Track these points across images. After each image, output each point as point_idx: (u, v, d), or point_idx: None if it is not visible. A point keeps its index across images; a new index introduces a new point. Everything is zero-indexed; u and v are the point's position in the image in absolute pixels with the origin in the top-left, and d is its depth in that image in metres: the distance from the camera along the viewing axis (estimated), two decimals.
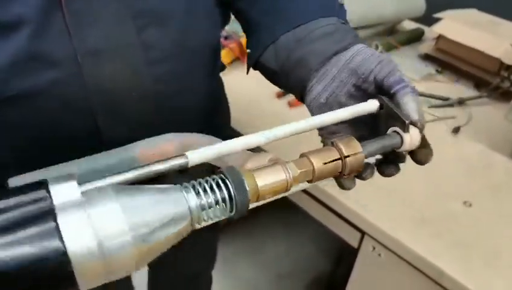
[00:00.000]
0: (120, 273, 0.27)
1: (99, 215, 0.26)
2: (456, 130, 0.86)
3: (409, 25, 1.27)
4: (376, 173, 0.40)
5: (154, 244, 0.28)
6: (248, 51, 0.50)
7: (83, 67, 0.42)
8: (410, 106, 0.39)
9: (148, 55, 0.45)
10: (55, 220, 0.25)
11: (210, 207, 0.30)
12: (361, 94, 0.41)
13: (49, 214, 0.25)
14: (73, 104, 0.44)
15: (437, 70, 1.07)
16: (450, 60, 1.07)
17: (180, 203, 0.29)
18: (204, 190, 0.30)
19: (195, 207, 0.29)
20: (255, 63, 0.49)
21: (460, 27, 1.03)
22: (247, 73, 0.52)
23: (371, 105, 0.39)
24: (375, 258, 0.69)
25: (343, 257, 1.26)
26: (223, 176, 0.31)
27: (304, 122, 0.37)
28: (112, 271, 0.26)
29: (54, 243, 0.24)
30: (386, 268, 0.69)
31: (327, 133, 0.43)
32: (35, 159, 0.36)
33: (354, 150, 0.35)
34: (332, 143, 0.35)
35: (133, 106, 0.47)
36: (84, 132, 0.46)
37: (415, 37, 1.18)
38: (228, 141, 0.34)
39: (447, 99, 0.95)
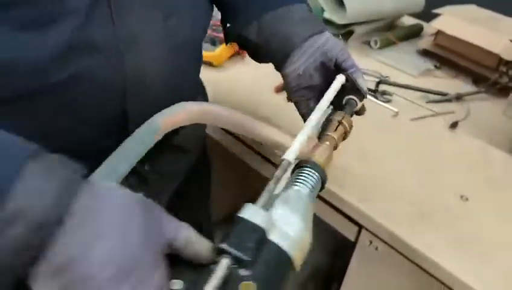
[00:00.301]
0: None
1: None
2: (454, 125, 0.86)
3: (408, 21, 1.27)
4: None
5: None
6: (228, 25, 0.62)
7: (124, 53, 0.45)
8: (361, 82, 0.56)
9: (170, 42, 0.50)
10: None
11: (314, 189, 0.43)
12: (324, 69, 0.58)
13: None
14: (109, 89, 0.45)
15: (435, 66, 1.07)
16: (448, 56, 1.07)
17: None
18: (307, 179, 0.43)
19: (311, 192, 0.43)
20: (236, 36, 0.61)
21: (459, 23, 1.04)
22: (226, 44, 0.65)
23: (342, 79, 0.56)
24: (372, 251, 0.70)
25: (340, 251, 1.26)
26: (310, 169, 0.44)
27: (317, 112, 0.51)
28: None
29: None
30: (383, 262, 0.69)
31: (299, 96, 0.59)
32: (63, 145, 0.35)
33: (345, 118, 0.54)
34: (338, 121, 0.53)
35: (157, 90, 0.50)
36: (112, 115, 0.47)
37: (414, 33, 1.18)
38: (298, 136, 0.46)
39: (445, 94, 0.95)
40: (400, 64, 1.06)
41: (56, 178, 0.28)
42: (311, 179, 0.43)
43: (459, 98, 0.95)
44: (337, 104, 0.57)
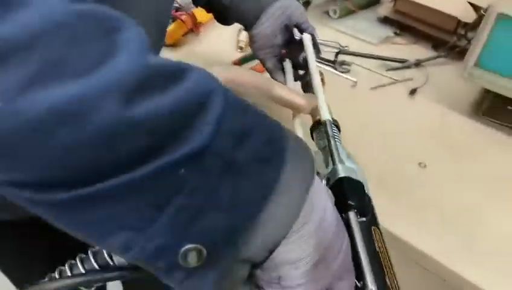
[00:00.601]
0: None
1: None
2: (413, 92, 0.85)
3: None
4: None
5: None
6: None
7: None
8: (317, 41, 0.65)
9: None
10: None
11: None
12: (286, 30, 0.66)
13: None
14: None
15: (395, 33, 1.05)
16: (408, 22, 1.05)
17: None
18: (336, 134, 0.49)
19: None
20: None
21: None
22: (196, 6, 0.74)
23: (309, 37, 0.64)
24: None
25: None
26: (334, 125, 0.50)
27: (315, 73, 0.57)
28: None
29: None
30: None
31: (264, 54, 0.67)
32: None
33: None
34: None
35: None
36: None
37: (373, 0, 1.16)
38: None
39: (404, 61, 0.93)
40: (359, 33, 1.03)
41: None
42: (336, 133, 0.49)
43: (418, 64, 0.93)
44: (295, 62, 0.67)
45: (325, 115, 0.50)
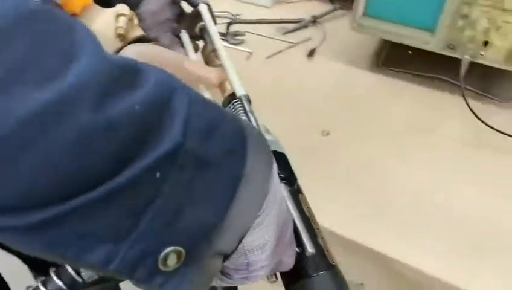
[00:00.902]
0: None
1: None
2: (311, 53, 0.80)
3: None
4: None
5: None
6: None
7: None
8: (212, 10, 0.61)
9: None
10: None
11: None
12: (172, 2, 0.62)
13: None
14: None
15: None
16: None
17: None
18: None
19: None
20: None
21: None
22: None
23: (205, 6, 0.60)
24: None
25: None
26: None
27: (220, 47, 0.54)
28: None
29: None
30: None
31: (157, 31, 0.63)
32: None
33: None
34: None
35: None
36: None
37: None
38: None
39: (300, 21, 0.88)
40: None
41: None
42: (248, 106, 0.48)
43: (315, 21, 0.88)
44: (192, 34, 0.63)
45: (239, 90, 0.49)
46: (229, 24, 0.86)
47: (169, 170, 0.22)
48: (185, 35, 0.64)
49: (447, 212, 0.56)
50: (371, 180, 0.59)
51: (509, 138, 0.62)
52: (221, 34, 0.84)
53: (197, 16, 0.61)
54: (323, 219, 0.50)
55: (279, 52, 0.81)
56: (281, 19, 0.88)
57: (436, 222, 0.55)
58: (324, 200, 0.55)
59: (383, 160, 0.62)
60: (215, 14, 0.88)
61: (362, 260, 0.57)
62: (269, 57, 0.80)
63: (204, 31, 0.61)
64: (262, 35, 0.85)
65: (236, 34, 0.84)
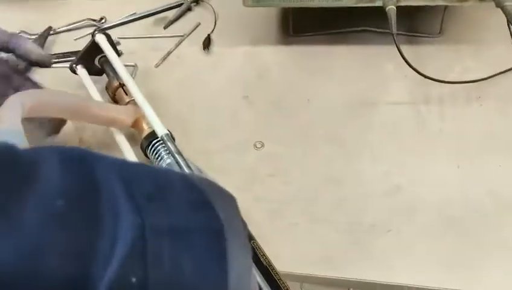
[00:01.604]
0: None
1: None
2: (207, 43, 0.65)
3: None
4: None
5: None
6: None
7: None
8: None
9: None
10: None
11: None
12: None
13: None
14: None
15: None
16: None
17: None
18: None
19: None
20: None
21: None
22: None
23: (103, 37, 0.56)
24: None
25: None
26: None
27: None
28: None
29: None
30: None
31: None
32: None
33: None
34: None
35: None
36: None
37: None
38: None
39: (180, 4, 0.71)
40: None
41: None
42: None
43: (197, 1, 0.72)
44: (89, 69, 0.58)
45: (160, 129, 0.46)
46: (93, 34, 0.67)
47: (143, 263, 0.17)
48: (82, 71, 0.57)
49: (424, 197, 0.47)
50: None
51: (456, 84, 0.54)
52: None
53: (93, 48, 0.56)
54: None
55: (168, 53, 0.64)
56: (156, 9, 0.71)
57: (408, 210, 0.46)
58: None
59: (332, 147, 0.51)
60: (73, 24, 0.70)
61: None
62: (158, 64, 0.63)
63: (105, 64, 0.56)
64: (141, 37, 0.68)
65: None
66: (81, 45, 0.64)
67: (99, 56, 0.57)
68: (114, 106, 0.50)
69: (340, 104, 0.56)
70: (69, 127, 0.50)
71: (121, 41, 0.67)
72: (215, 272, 0.19)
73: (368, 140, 0.52)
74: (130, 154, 0.48)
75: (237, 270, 0.20)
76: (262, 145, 0.53)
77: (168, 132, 0.46)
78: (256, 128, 0.54)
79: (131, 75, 0.62)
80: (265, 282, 0.35)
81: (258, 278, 0.35)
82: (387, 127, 0.53)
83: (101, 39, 0.56)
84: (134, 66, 0.63)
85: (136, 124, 0.50)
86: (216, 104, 0.58)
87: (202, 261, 0.19)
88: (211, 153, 0.53)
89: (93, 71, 0.58)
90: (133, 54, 0.65)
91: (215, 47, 0.65)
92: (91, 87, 0.55)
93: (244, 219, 0.45)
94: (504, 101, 0.54)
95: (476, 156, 0.49)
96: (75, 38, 0.69)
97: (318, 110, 0.55)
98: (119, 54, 0.59)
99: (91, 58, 0.57)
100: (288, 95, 0.58)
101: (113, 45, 0.57)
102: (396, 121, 0.53)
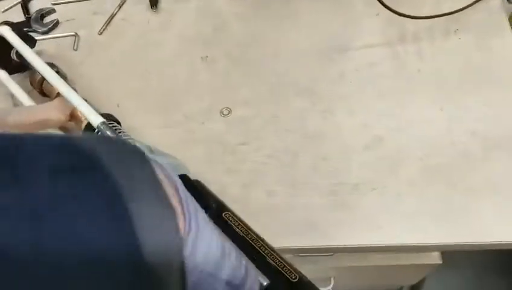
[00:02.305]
0: None
1: None
2: (154, 3, 0.57)
3: None
4: None
5: None
6: None
7: None
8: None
9: None
10: None
11: None
12: None
13: None
14: None
15: None
16: None
17: None
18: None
19: None
20: None
21: None
22: None
23: (6, 28, 0.48)
24: None
25: None
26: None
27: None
28: None
29: None
30: None
31: None
32: None
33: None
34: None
35: None
36: None
37: None
38: None
39: None
40: None
41: None
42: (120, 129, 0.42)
43: None
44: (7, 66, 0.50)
45: (94, 119, 0.40)
46: (23, 4, 0.59)
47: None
48: (2, 73, 0.50)
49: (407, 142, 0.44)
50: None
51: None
52: (26, 25, 0.57)
53: (2, 43, 0.48)
54: None
55: (112, 16, 0.57)
56: None
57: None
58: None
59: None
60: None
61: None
62: (102, 30, 0.56)
63: (22, 57, 0.47)
64: (78, 0, 0.60)
65: (42, 14, 0.58)
66: (11, 17, 0.57)
67: (15, 50, 0.49)
68: (41, 106, 0.44)
69: (309, 53, 0.51)
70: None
71: (57, 7, 0.59)
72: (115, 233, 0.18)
73: (343, 90, 0.48)
74: None
75: (153, 234, 0.19)
76: (230, 111, 0.48)
77: (103, 120, 0.40)
78: (221, 92, 0.49)
79: (73, 46, 0.55)
80: (245, 254, 0.31)
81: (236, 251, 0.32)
82: (362, 73, 0.49)
83: (5, 31, 0.48)
84: (75, 35, 0.55)
85: (72, 117, 0.44)
86: (172, 69, 0.52)
87: (97, 222, 0.18)
88: (172, 126, 0.48)
89: (14, 68, 0.50)
90: (72, 21, 0.58)
91: (163, 3, 0.58)
92: (16, 89, 0.48)
93: (219, 193, 0.41)
94: (484, 31, 0.49)
95: (459, 96, 0.46)
96: (2, 10, 0.60)
97: (286, 63, 0.50)
98: (33, 40, 0.50)
99: (5, 55, 0.49)
100: (251, 50, 0.52)
101: (23, 33, 0.49)
102: (371, 66, 0.49)
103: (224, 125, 0.47)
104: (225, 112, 0.48)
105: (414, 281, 0.95)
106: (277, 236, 0.40)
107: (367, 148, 0.44)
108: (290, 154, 0.45)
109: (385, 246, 0.39)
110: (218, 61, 0.52)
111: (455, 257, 1.02)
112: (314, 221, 0.41)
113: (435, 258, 0.68)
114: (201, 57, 0.52)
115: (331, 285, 0.74)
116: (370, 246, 0.40)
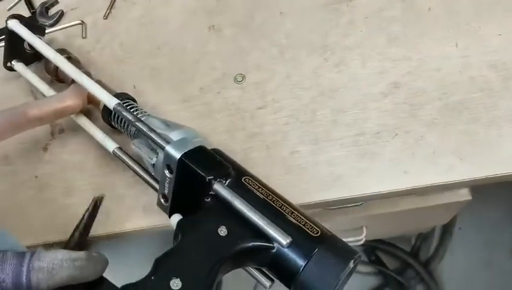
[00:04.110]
0: None
1: None
2: None
3: None
4: None
5: None
6: None
7: None
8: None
9: None
10: None
11: None
12: None
13: None
14: None
15: None
16: None
17: None
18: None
19: None
20: None
21: None
22: None
23: (15, 22, 0.49)
24: None
25: None
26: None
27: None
28: None
29: None
30: None
31: None
32: None
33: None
34: None
35: None
36: None
37: None
38: None
39: None
40: None
41: None
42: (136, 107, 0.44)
43: None
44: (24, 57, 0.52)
45: (109, 102, 0.41)
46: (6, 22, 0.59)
47: None
48: (19, 66, 0.51)
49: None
50: None
51: None
52: (32, 20, 0.58)
53: (14, 36, 0.49)
54: None
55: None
56: None
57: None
58: None
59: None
60: None
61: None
62: (106, 14, 0.56)
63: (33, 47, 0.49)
64: None
65: (46, 7, 0.59)
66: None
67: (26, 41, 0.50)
68: (58, 95, 0.45)
69: (316, 7, 0.50)
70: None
71: None
72: None
73: (353, 40, 0.47)
74: (96, 132, 0.45)
75: None
76: (244, 78, 0.48)
77: (118, 101, 0.41)
78: (232, 60, 0.50)
79: (82, 34, 0.56)
80: (266, 219, 0.32)
81: (255, 215, 0.33)
82: (372, 20, 0.48)
83: (14, 25, 0.49)
84: (82, 23, 0.56)
85: (90, 100, 0.45)
86: (181, 44, 0.52)
87: None
88: (188, 100, 0.48)
89: (29, 59, 0.52)
90: (76, 9, 0.58)
91: None
92: (34, 79, 0.49)
93: (243, 159, 0.42)
94: None
95: (473, 28, 0.45)
96: (7, 8, 0.61)
97: (293, 21, 0.50)
98: (42, 29, 0.51)
99: (19, 47, 0.51)
100: (256, 13, 0.52)
101: (31, 23, 0.50)
102: (380, 11, 0.48)
103: (240, 92, 0.48)
104: (239, 79, 0.48)
105: (446, 220, 0.96)
106: (304, 193, 0.42)
107: (385, 96, 0.44)
108: (309, 111, 0.45)
109: (412, 189, 0.40)
110: (225, 30, 0.52)
111: (485, 191, 1.02)
112: (339, 174, 0.42)
113: (465, 194, 0.69)
114: (208, 27, 0.52)
115: (364, 234, 0.76)
116: (397, 191, 0.40)
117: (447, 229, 1.16)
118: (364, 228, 0.78)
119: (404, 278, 1.13)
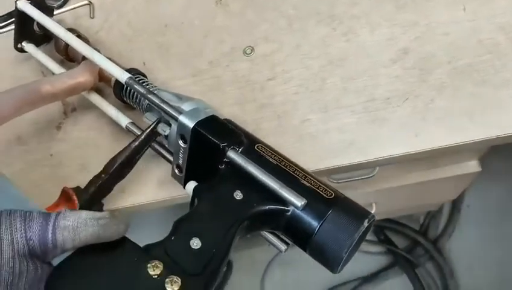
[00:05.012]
0: None
1: None
2: None
3: None
4: None
5: None
6: None
7: None
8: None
9: None
10: None
11: None
12: None
13: None
14: None
15: None
16: None
17: None
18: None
19: None
20: None
21: None
22: None
23: (24, 2, 0.49)
24: None
25: None
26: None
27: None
28: None
29: None
30: None
31: None
32: None
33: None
34: None
35: None
36: None
37: None
38: None
39: None
40: None
41: None
42: (147, 82, 0.45)
43: None
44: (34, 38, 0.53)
45: (120, 76, 0.42)
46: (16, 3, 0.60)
47: None
48: (30, 47, 0.52)
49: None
50: None
51: None
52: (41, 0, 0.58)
53: (23, 17, 0.49)
54: None
55: None
56: None
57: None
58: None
59: None
60: None
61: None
62: None
63: (44, 27, 0.49)
64: None
65: None
66: None
67: (36, 22, 0.51)
68: (69, 71, 0.45)
69: None
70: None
71: None
72: None
73: (361, 8, 0.48)
74: (108, 108, 0.45)
75: None
76: (252, 50, 0.48)
77: (130, 75, 0.42)
78: (240, 33, 0.50)
79: (90, 15, 0.56)
80: (279, 182, 0.33)
81: (269, 179, 0.33)
82: None
83: (23, 5, 0.49)
84: (90, 4, 0.56)
85: (101, 77, 0.46)
86: (189, 19, 0.52)
87: None
88: (198, 75, 0.49)
89: (39, 40, 0.52)
90: None
91: None
92: (45, 59, 0.50)
93: (255, 129, 0.42)
94: None
95: None
96: None
97: None
98: (50, 9, 0.52)
99: (29, 28, 0.51)
100: None
101: (40, 3, 0.50)
102: None
103: (249, 64, 0.48)
104: (248, 51, 0.48)
105: (455, 196, 0.96)
106: (317, 159, 0.42)
107: (394, 62, 0.44)
108: (319, 80, 0.45)
109: (425, 151, 0.40)
110: (232, 3, 0.52)
111: (493, 167, 1.02)
112: (351, 139, 0.42)
113: (474, 166, 0.69)
114: (215, 1, 0.52)
115: (373, 210, 0.76)
116: (410, 153, 0.41)
117: (455, 207, 1.17)
118: (374, 205, 0.78)
119: (414, 256, 1.14)
